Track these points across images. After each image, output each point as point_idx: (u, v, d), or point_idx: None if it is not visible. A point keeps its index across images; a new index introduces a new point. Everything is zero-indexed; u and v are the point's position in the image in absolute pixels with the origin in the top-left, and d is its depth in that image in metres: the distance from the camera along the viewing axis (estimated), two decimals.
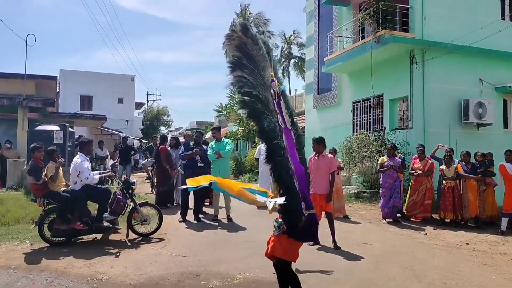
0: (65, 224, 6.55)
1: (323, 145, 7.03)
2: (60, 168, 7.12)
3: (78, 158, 6.99)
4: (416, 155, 10.05)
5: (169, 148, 11.20)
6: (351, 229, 8.49)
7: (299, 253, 3.90)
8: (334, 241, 6.94)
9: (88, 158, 7.25)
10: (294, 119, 4.09)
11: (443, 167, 9.57)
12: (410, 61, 12.42)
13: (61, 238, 6.69)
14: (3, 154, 13.21)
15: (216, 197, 9.11)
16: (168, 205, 10.81)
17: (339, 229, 8.24)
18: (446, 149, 9.88)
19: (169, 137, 12.20)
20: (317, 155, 7.05)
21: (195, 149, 9.16)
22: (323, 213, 7.07)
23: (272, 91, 3.52)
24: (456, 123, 12.47)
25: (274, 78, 3.61)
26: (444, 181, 9.55)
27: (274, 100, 3.51)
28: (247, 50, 3.39)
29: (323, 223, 6.39)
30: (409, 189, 9.89)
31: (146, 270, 5.46)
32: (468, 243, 7.58)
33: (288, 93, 3.70)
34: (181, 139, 12.03)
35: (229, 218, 8.86)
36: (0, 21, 15.29)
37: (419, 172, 9.63)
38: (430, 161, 9.79)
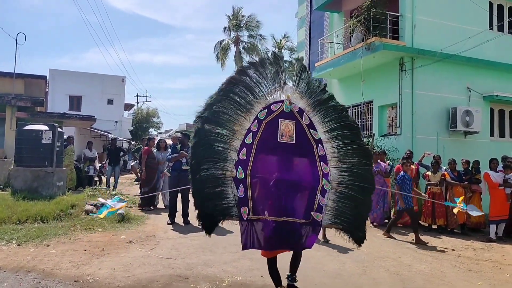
0: None
1: None
2: None
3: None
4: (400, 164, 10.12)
5: (155, 151, 11.13)
6: (338, 234, 8.52)
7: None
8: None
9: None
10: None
11: (428, 172, 9.70)
12: (400, 68, 12.56)
13: None
14: None
15: None
16: (151, 207, 10.75)
17: (327, 234, 8.30)
18: (434, 156, 10.02)
19: (156, 139, 12.14)
20: None
21: (181, 151, 9.12)
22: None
23: (261, 113, 4.21)
24: (444, 131, 12.63)
25: (288, 99, 4.24)
26: (428, 187, 9.69)
27: (256, 120, 4.17)
28: (234, 86, 4.23)
29: None
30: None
31: (134, 272, 5.44)
32: (454, 249, 7.68)
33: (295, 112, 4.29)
34: (169, 142, 12.00)
35: None
36: None
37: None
38: (414, 167, 9.89)
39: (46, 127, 10.98)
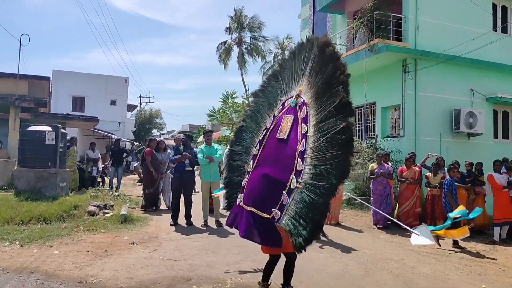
0: None
1: None
2: None
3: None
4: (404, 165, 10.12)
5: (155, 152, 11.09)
6: (342, 236, 8.53)
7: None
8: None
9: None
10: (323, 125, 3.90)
11: (429, 174, 9.68)
12: (403, 70, 12.55)
13: None
14: None
15: (217, 203, 9.06)
16: (154, 208, 10.74)
17: (330, 235, 8.31)
18: (436, 158, 10.00)
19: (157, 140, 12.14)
20: None
21: (184, 153, 9.08)
22: None
23: (277, 109, 4.50)
24: (447, 132, 12.61)
25: (298, 93, 4.23)
26: (428, 189, 9.68)
27: (273, 117, 4.47)
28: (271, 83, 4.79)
29: None
30: (399, 197, 9.96)
31: (137, 273, 5.44)
32: (457, 252, 7.65)
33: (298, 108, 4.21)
34: (172, 143, 12.01)
35: (219, 223, 8.81)
36: None
37: (410, 180, 9.69)
38: (417, 169, 9.88)
39: (49, 128, 11.01)
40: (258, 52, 37.83)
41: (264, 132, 4.48)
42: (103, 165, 16.15)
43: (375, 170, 9.87)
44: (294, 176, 3.87)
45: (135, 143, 32.72)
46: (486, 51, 12.22)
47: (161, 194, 11.20)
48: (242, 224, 4.15)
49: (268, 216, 3.92)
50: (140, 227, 8.53)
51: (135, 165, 17.45)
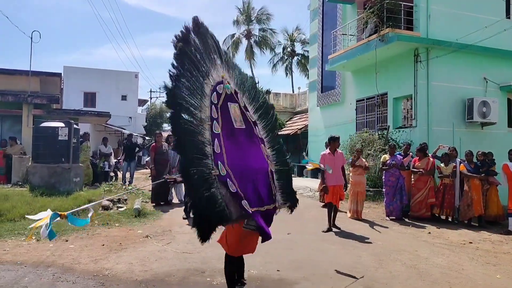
0: None
1: (338, 143, 8.36)
2: None
3: None
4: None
5: (166, 145, 11.02)
6: (354, 227, 8.52)
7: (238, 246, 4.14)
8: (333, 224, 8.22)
9: None
10: (272, 112, 4.54)
11: (441, 164, 9.63)
12: (415, 59, 12.41)
13: None
14: (6, 152, 13.29)
15: None
16: (162, 202, 10.61)
17: (342, 227, 8.31)
18: (448, 148, 9.92)
19: (164, 134, 12.15)
20: (332, 151, 8.16)
21: None
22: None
23: (213, 96, 3.73)
24: (460, 122, 12.47)
25: (224, 79, 3.88)
26: (440, 179, 9.64)
27: (213, 106, 3.70)
28: (187, 60, 3.60)
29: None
30: (411, 188, 9.91)
31: (151, 266, 5.50)
32: (471, 242, 7.59)
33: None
34: None
35: None
36: (2, 17, 15.28)
37: (422, 171, 9.64)
38: (431, 160, 9.81)
39: (62, 124, 11.13)
40: (266, 44, 37.71)
41: (215, 123, 3.66)
42: (115, 160, 16.28)
43: (388, 161, 9.81)
44: (269, 161, 4.11)
45: (147, 138, 32.91)
46: (499, 39, 12.01)
47: (173, 188, 11.26)
48: (266, 226, 3.81)
49: (275, 205, 4.02)
50: (154, 220, 8.61)
51: (146, 159, 17.56)
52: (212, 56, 3.91)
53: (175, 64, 3.51)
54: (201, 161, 3.42)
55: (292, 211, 4.34)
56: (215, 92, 3.75)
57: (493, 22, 11.89)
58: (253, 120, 4.11)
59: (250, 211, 3.55)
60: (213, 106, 3.68)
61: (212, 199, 3.36)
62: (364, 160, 9.98)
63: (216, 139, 3.57)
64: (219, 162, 3.51)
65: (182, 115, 3.43)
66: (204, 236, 3.42)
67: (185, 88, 3.49)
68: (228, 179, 3.51)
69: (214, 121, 3.63)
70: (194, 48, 3.70)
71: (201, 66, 3.71)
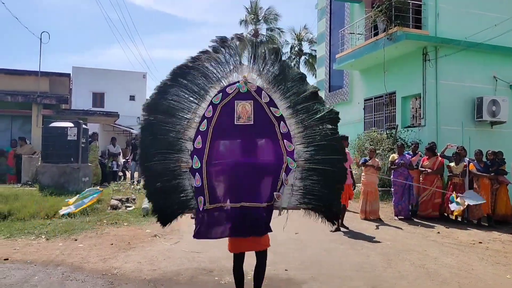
0: None
1: (347, 142, 8.55)
2: None
3: None
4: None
5: None
6: (363, 227, 8.49)
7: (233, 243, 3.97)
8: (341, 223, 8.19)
9: None
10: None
11: (451, 164, 9.57)
12: (423, 58, 12.34)
13: None
14: (16, 152, 13.42)
15: None
16: None
17: (351, 226, 8.28)
18: (457, 147, 9.85)
19: None
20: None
21: None
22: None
23: (215, 97, 3.97)
24: (469, 121, 12.37)
25: (245, 79, 3.99)
26: (451, 178, 9.57)
27: (211, 106, 3.94)
28: (189, 73, 4.03)
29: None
30: (420, 187, 9.85)
31: (160, 265, 5.53)
32: (481, 242, 7.53)
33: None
34: None
35: None
36: (11, 18, 15.39)
37: (429, 170, 9.59)
38: (439, 159, 9.75)
39: (71, 124, 11.21)
40: (274, 43, 37.64)
41: (204, 121, 3.90)
42: (124, 160, 16.37)
43: (396, 161, 9.76)
44: (288, 157, 3.87)
45: None
46: (509, 37, 11.90)
47: None
48: (236, 224, 3.75)
49: (269, 203, 3.79)
50: None
51: None
52: (237, 60, 4.09)
53: (167, 78, 4.02)
54: (169, 155, 3.85)
55: (321, 216, 3.91)
56: (221, 93, 3.95)
57: (503, 20, 11.77)
58: (277, 116, 3.97)
59: (201, 208, 3.77)
60: (210, 106, 3.93)
61: (176, 188, 3.85)
62: (377, 160, 9.93)
63: (199, 135, 3.89)
64: (195, 156, 3.85)
65: (157, 116, 3.90)
66: (163, 222, 3.98)
67: (174, 95, 3.95)
68: (197, 173, 3.82)
69: (205, 120, 3.91)
70: (203, 62, 4.04)
71: (210, 74, 4.02)
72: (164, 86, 3.95)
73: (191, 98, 3.95)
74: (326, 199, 3.88)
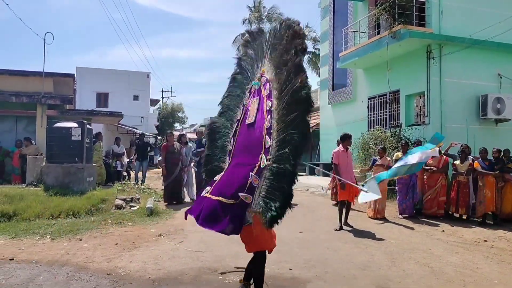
0: None
1: (351, 140, 8.54)
2: None
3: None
4: None
5: (177, 144, 11.05)
6: (367, 226, 8.47)
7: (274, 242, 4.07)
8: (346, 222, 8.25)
9: None
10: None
11: (456, 162, 9.53)
12: (427, 56, 12.30)
13: None
14: (21, 152, 13.48)
15: None
16: (174, 202, 10.64)
17: (355, 225, 8.27)
18: (461, 145, 9.80)
19: (176, 134, 12.19)
20: (345, 148, 8.21)
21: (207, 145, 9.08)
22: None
23: (245, 98, 4.26)
24: (474, 119, 12.32)
25: (261, 74, 4.07)
26: (454, 177, 9.54)
27: (243, 107, 4.22)
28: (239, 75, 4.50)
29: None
30: (424, 186, 9.81)
31: (164, 265, 5.53)
32: (486, 240, 7.50)
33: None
34: (194, 136, 12.06)
35: None
36: (15, 19, 15.47)
37: (434, 168, 9.55)
38: (444, 157, 9.71)
39: (75, 124, 11.24)
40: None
41: (236, 124, 4.21)
42: (128, 160, 16.41)
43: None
44: (263, 155, 3.59)
45: (158, 137, 33.11)
46: None
47: (185, 187, 11.30)
48: (203, 212, 3.70)
49: (235, 202, 3.50)
50: (166, 219, 8.66)
51: (159, 159, 17.67)
52: (263, 52, 4.19)
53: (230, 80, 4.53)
54: (218, 156, 4.33)
55: (268, 221, 3.31)
56: (249, 93, 4.20)
57: (507, 17, 11.72)
58: (268, 109, 3.73)
59: (196, 196, 4.18)
60: (243, 107, 4.22)
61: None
62: (388, 158, 9.88)
63: (232, 138, 4.20)
64: (227, 157, 4.18)
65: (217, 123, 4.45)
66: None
67: (233, 96, 4.43)
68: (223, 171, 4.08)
69: (237, 122, 4.21)
70: (246, 61, 4.43)
71: (247, 75, 4.33)
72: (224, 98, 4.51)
73: (238, 104, 4.33)
74: (278, 200, 3.34)
